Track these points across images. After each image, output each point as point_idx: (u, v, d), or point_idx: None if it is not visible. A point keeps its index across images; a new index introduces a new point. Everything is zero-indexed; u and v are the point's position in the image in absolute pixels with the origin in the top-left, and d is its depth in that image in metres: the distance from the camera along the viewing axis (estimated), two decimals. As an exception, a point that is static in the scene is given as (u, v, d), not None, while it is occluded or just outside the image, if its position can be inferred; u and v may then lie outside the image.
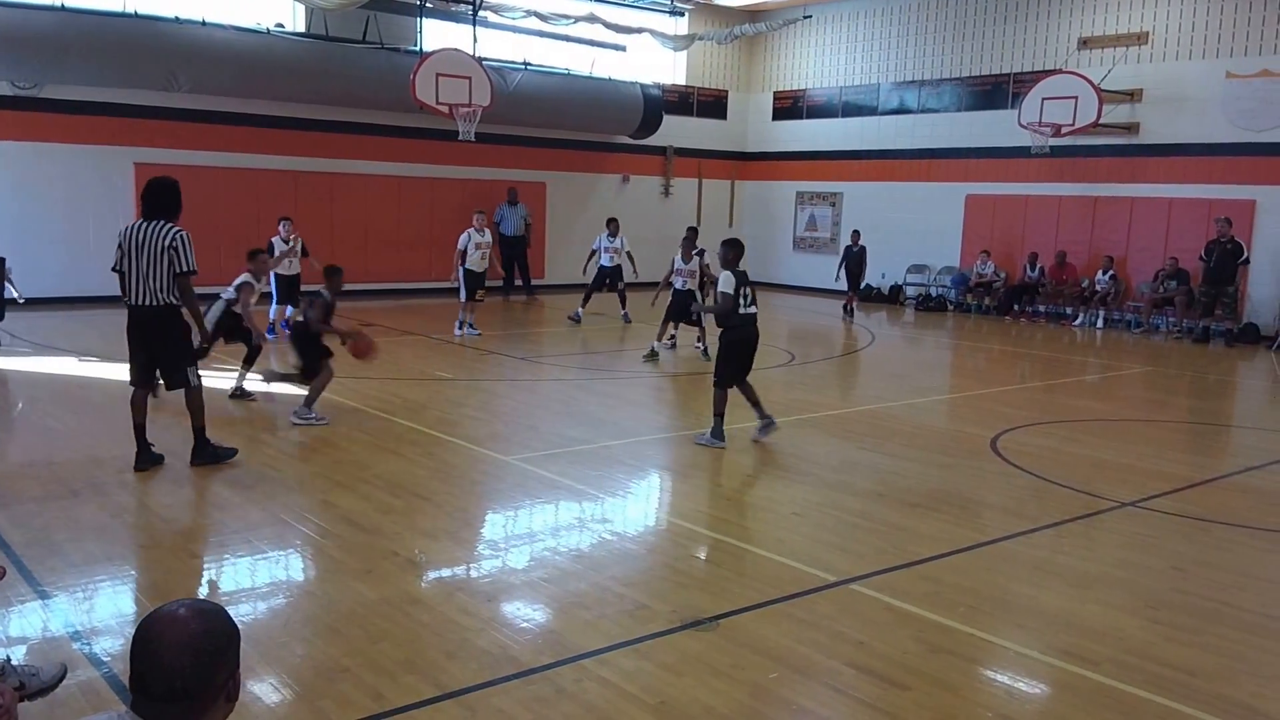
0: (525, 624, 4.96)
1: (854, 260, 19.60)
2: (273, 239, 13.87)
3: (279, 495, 6.92)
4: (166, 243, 6.99)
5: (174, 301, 7.15)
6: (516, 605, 5.19)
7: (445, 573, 5.66)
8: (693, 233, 13.70)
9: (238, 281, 10.02)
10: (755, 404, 8.81)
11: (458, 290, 15.19)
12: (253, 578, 5.51)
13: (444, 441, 8.59)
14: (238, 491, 6.97)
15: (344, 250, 19.04)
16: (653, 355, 13.12)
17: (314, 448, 8.23)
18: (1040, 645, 4.84)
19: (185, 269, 7.08)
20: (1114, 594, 5.53)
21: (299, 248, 13.99)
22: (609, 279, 16.86)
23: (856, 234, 19.89)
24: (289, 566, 5.74)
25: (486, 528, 6.61)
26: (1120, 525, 6.84)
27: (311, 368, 9.11)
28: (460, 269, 14.96)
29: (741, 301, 8.56)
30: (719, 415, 8.65)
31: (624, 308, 16.68)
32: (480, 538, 6.38)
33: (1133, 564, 6.05)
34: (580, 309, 16.67)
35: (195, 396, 7.42)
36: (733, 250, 8.72)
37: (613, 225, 17.13)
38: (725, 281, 8.55)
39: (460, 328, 14.92)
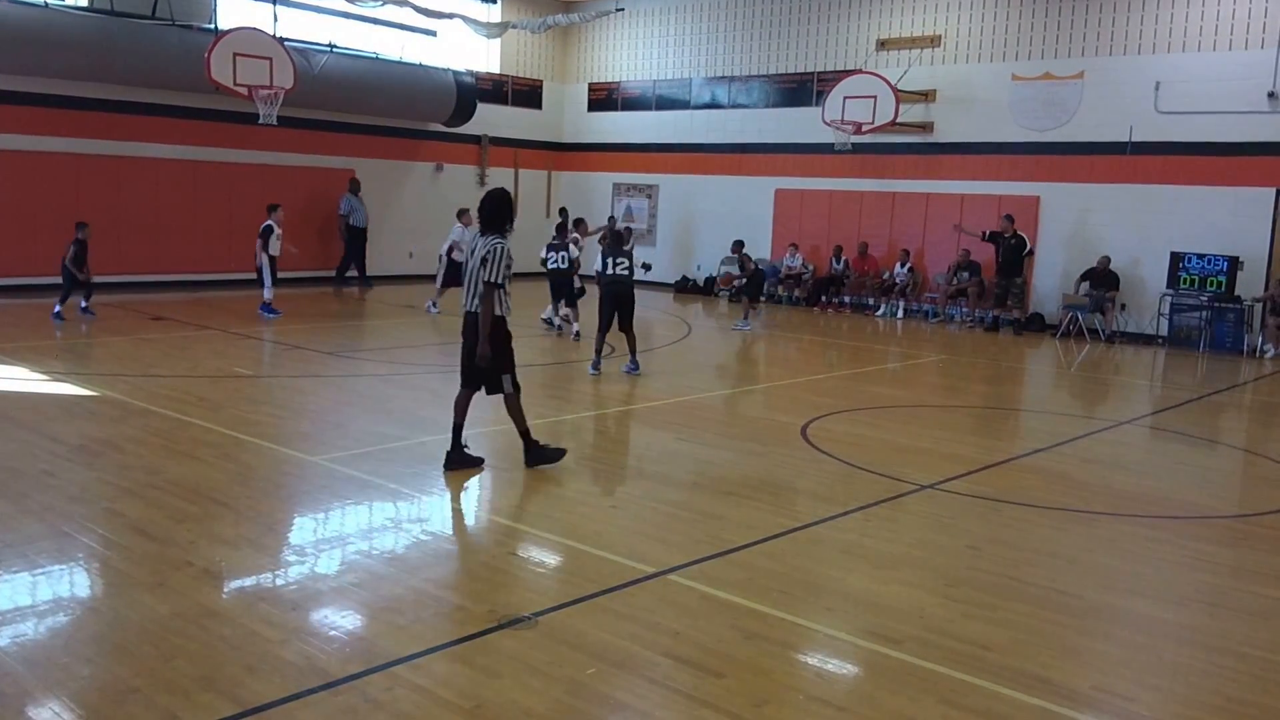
0: (334, 632, 4.75)
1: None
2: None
3: (58, 504, 6.41)
4: None
5: None
6: (324, 613, 4.96)
7: (246, 582, 5.36)
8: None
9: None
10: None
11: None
12: (31, 595, 5.07)
13: (244, 442, 8.17)
14: (11, 501, 6.41)
15: (133, 239, 17.98)
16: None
17: (97, 452, 7.68)
18: (848, 627, 4.99)
19: None
20: (915, 574, 5.77)
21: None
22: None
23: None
24: (72, 581, 5.32)
25: (292, 533, 6.31)
26: (920, 507, 7.14)
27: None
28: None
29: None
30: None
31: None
32: (285, 544, 6.08)
33: (932, 544, 6.34)
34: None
35: None
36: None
37: (464, 216, 15.51)
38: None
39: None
